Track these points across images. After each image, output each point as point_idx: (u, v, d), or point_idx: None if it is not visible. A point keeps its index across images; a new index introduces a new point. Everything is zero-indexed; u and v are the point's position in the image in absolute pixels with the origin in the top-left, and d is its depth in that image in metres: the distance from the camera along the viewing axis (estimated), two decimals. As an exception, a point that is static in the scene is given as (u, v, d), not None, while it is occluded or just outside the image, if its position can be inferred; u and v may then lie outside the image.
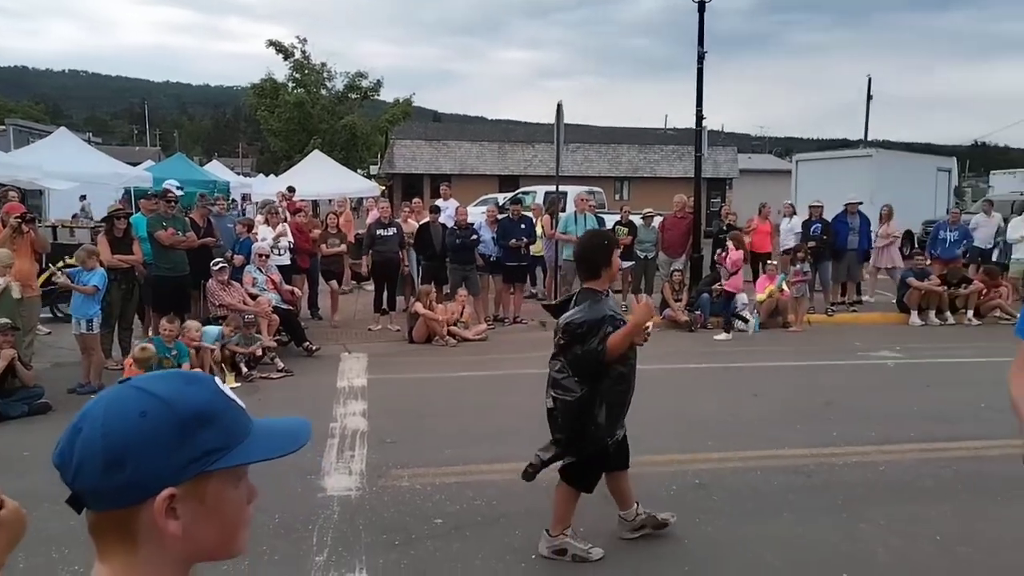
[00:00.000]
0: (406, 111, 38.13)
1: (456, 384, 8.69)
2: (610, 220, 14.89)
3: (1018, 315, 10.57)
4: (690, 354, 10.15)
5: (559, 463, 4.23)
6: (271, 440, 1.05)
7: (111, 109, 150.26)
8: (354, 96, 37.59)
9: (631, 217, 14.08)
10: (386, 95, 40.60)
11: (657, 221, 13.98)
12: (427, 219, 12.44)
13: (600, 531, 4.48)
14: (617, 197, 32.41)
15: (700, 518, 4.75)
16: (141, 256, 9.36)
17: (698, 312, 12.27)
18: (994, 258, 14.27)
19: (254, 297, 9.87)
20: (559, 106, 13.34)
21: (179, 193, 11.02)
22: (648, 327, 4.10)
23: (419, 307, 10.81)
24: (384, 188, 29.46)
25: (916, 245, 19.65)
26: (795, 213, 14.73)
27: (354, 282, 14.38)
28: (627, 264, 13.79)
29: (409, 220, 13.06)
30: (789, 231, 14.45)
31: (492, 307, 12.66)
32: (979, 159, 54.92)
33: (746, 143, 68.42)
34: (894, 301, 13.14)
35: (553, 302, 4.99)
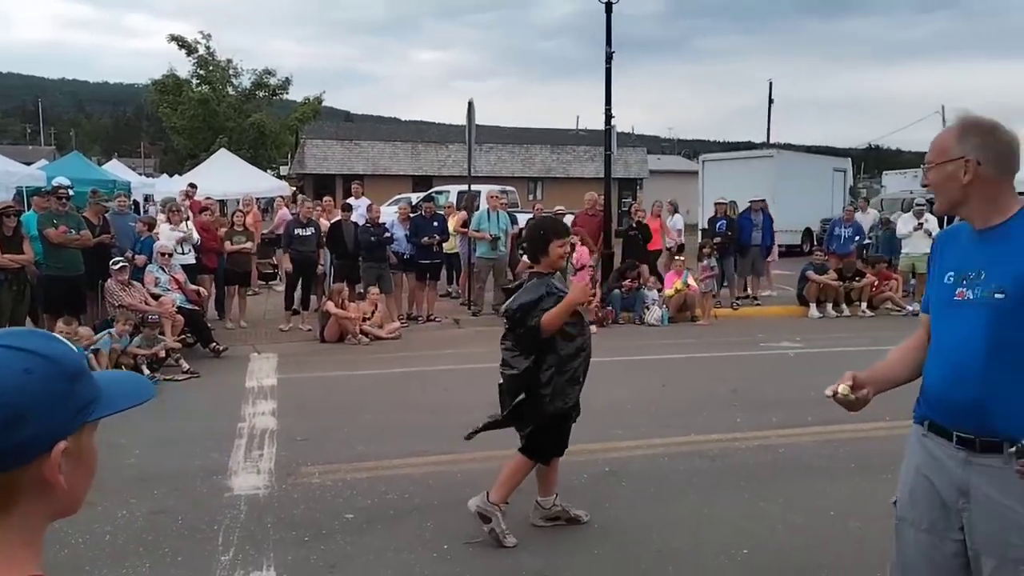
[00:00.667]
0: (316, 110, 37.55)
1: (369, 382, 8.61)
2: (523, 219, 15.06)
3: (907, 307, 11.21)
4: (601, 348, 10.30)
5: (496, 429, 4.46)
6: (124, 390, 1.06)
7: (2, 107, 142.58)
8: (262, 94, 36.78)
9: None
10: (296, 94, 39.88)
11: (568, 219, 14.17)
12: (339, 217, 12.29)
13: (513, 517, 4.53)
14: (531, 197, 32.67)
15: (609, 503, 4.85)
16: (32, 255, 8.93)
17: (609, 308, 12.49)
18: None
19: (156, 297, 9.54)
20: (470, 104, 13.37)
21: (71, 192, 10.52)
22: (593, 301, 4.34)
23: (331, 306, 10.66)
24: (295, 188, 28.92)
25: (815, 242, 20.53)
26: (676, 211, 15.28)
27: (262, 282, 14.06)
28: (540, 261, 13.97)
29: (321, 219, 12.86)
30: (672, 227, 14.95)
31: (405, 305, 12.59)
32: (873, 160, 57.71)
33: (656, 145, 70.05)
34: (795, 294, 13.68)
35: (510, 285, 5.15)
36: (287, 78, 37.11)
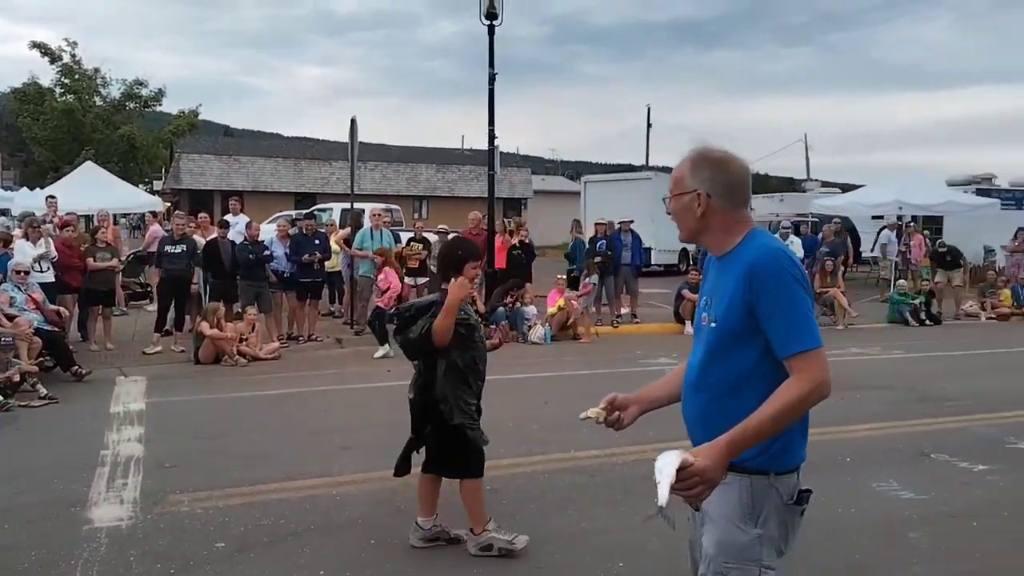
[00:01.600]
0: (192, 123, 36.28)
1: (245, 404, 8.33)
2: (406, 237, 14.99)
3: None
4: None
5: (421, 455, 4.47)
6: None
7: None
8: (132, 105, 35.22)
9: (424, 233, 14.22)
10: (170, 107, 38.38)
11: (452, 237, 14.20)
12: (215, 235, 11.87)
13: (400, 536, 4.46)
14: (416, 216, 32.56)
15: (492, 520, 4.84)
16: None
17: (492, 326, 12.55)
18: None
19: (11, 318, 8.91)
20: (353, 122, 13.25)
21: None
22: (476, 299, 4.39)
23: (205, 326, 10.25)
24: (169, 204, 27.75)
25: (691, 261, 21.32)
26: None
27: (134, 302, 13.38)
28: (422, 280, 13.92)
29: (196, 236, 12.38)
30: None
31: (286, 325, 12.26)
32: (744, 185, 60.70)
33: (540, 165, 71.14)
34: (671, 312, 14.15)
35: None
36: (160, 89, 35.75)
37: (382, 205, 19.27)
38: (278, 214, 21.35)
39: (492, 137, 13.78)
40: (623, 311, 14.59)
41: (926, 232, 19.96)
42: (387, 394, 8.68)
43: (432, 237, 14.13)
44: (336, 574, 4.12)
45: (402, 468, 4.51)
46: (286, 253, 12.08)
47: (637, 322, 14.25)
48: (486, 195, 15.57)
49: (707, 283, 2.34)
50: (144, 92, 35.24)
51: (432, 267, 13.71)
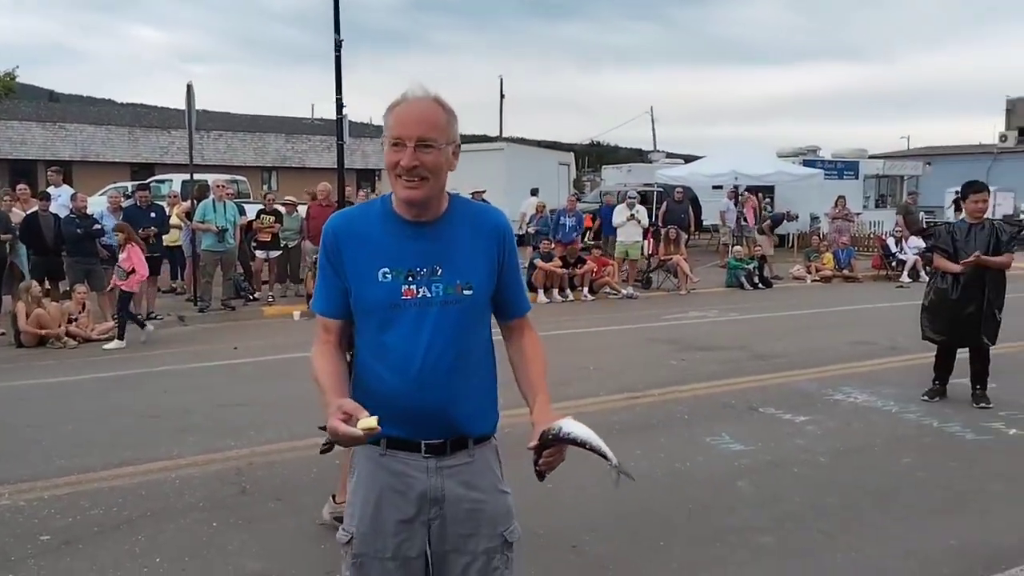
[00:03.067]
0: (9, 87, 33.30)
1: (74, 388, 7.80)
2: (253, 210, 14.44)
3: (622, 290, 12.15)
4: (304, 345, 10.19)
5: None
6: None
7: None
8: (-62, 67, 31.84)
9: (275, 206, 13.76)
10: (-18, 69, 34.98)
11: (302, 210, 13.81)
12: (35, 208, 10.99)
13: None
14: (265, 187, 31.37)
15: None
16: None
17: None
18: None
19: None
20: (189, 87, 12.59)
21: None
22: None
23: (20, 307, 9.49)
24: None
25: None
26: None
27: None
28: (274, 254, 13.48)
29: (14, 209, 11.42)
30: None
31: (121, 304, 11.54)
32: (595, 155, 62.29)
33: (395, 136, 70.16)
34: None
35: None
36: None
37: (226, 176, 18.46)
38: (111, 185, 20.01)
39: (340, 106, 13.40)
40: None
41: (767, 201, 21.36)
42: (229, 372, 8.39)
43: (282, 210, 13.67)
44: (174, 561, 3.95)
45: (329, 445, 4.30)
46: (119, 227, 11.35)
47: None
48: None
49: (405, 251, 1.99)
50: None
51: (283, 241, 13.31)
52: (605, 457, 1.97)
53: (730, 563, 3.91)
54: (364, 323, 2.05)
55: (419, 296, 1.98)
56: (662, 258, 15.70)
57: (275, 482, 5.01)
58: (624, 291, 14.30)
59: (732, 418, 6.46)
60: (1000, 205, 25.64)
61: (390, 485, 2.05)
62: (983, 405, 6.65)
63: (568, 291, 14.05)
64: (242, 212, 13.40)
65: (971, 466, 5.29)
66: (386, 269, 1.98)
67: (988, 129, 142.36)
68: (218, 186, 12.67)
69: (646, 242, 16.09)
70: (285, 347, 9.73)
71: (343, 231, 2.04)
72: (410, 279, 1.97)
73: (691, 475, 5.09)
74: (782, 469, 5.27)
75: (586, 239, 16.45)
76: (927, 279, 7.96)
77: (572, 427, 2.00)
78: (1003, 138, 46.24)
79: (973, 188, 6.69)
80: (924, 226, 17.41)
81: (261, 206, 14.08)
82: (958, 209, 7.02)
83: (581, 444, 1.98)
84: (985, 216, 6.77)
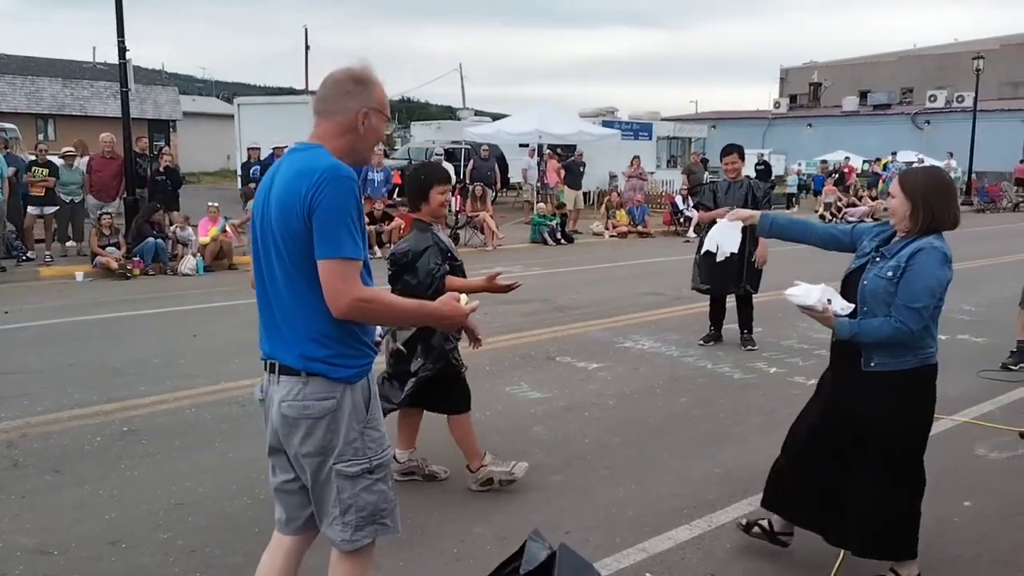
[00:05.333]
0: None
1: None
2: (28, 160, 13.11)
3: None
4: (127, 302, 9.58)
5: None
6: None
7: None
8: None
9: (49, 157, 12.59)
10: None
11: (83, 162, 12.73)
12: None
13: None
14: (41, 136, 28.50)
15: (127, 463, 4.58)
16: None
17: (136, 259, 11.59)
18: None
19: None
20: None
21: None
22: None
23: None
24: None
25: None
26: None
27: None
28: (50, 210, 12.38)
29: None
30: None
31: None
32: (406, 112, 61.67)
33: (191, 85, 65.81)
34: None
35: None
36: None
37: (-7, 123, 16.60)
38: None
39: (123, 50, 12.40)
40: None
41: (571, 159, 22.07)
42: None
43: (59, 162, 12.51)
44: (-65, 543, 3.64)
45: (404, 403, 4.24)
46: None
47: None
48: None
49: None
50: None
51: (63, 196, 12.25)
52: None
53: (524, 503, 4.15)
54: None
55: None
56: (469, 215, 15.94)
57: (53, 453, 4.71)
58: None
59: (531, 367, 6.77)
60: (775, 167, 28.11)
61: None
62: (750, 348, 7.42)
63: (376, 248, 13.95)
64: (13, 163, 12.15)
65: (736, 402, 5.90)
66: None
67: (765, 96, 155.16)
68: (-20, 134, 11.39)
69: (454, 199, 16.24)
70: (65, 310, 9.05)
71: None
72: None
73: (491, 423, 5.30)
74: (574, 413, 5.61)
75: (394, 196, 16.34)
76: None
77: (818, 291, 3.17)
78: (777, 104, 50.61)
79: (725, 151, 7.49)
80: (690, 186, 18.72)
81: (34, 157, 12.82)
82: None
83: None
84: (744, 175, 7.49)
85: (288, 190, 2.25)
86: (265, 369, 2.44)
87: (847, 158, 30.23)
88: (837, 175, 26.54)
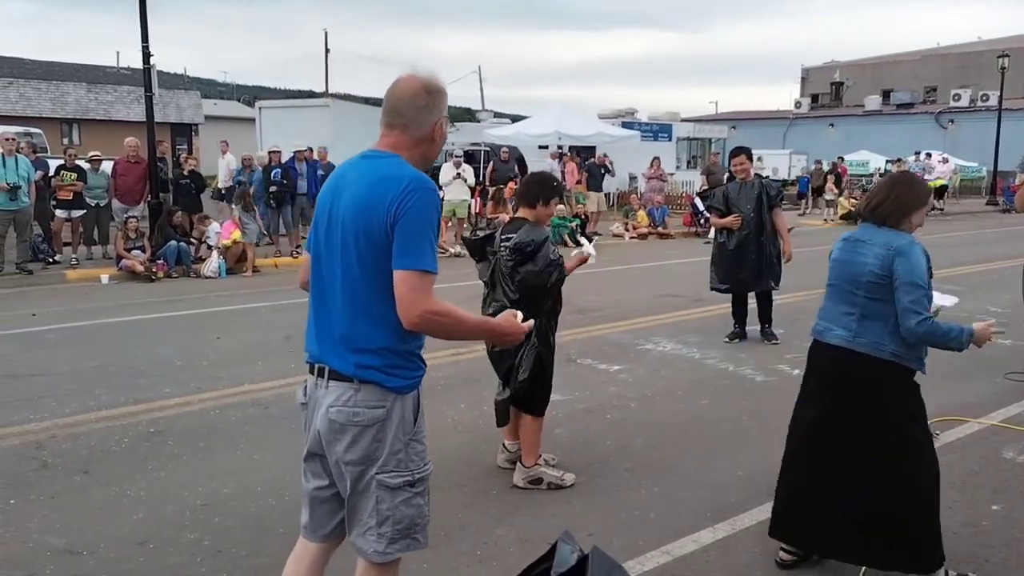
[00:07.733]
0: None
1: None
2: (54, 164, 13.29)
3: (450, 249, 12.30)
4: (151, 305, 9.69)
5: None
6: None
7: None
8: None
9: (78, 162, 12.74)
10: None
11: (108, 166, 12.88)
12: None
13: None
14: (65, 141, 28.85)
15: (153, 464, 4.63)
16: None
17: (161, 262, 11.72)
18: None
19: None
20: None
21: None
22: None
23: None
24: None
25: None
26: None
27: None
28: (77, 213, 12.53)
29: None
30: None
31: None
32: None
33: (213, 89, 66.39)
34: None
35: (474, 237, 4.71)
36: None
37: (16, 128, 16.86)
38: None
39: (147, 55, 12.53)
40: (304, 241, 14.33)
41: (588, 162, 22.01)
42: (26, 341, 7.78)
43: (85, 166, 12.66)
44: (-35, 542, 3.70)
45: (505, 417, 4.46)
46: None
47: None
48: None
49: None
50: None
51: (89, 199, 12.39)
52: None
53: (545, 504, 4.15)
54: None
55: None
56: (489, 217, 15.95)
57: (81, 454, 4.77)
58: (452, 249, 14.42)
59: (551, 370, 6.76)
60: (794, 167, 27.87)
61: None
62: (773, 342, 7.47)
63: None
64: (39, 168, 12.32)
65: (758, 405, 5.87)
66: None
67: (785, 96, 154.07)
68: (6, 139, 11.54)
69: (473, 201, 16.28)
70: (90, 312, 9.16)
71: None
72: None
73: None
74: (596, 415, 5.61)
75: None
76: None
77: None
78: (798, 104, 50.29)
79: (733, 153, 7.66)
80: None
81: (62, 161, 12.98)
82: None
83: None
84: (755, 174, 7.63)
85: (371, 194, 2.22)
86: (311, 372, 2.41)
87: (840, 158, 29.59)
88: (834, 176, 26.01)
